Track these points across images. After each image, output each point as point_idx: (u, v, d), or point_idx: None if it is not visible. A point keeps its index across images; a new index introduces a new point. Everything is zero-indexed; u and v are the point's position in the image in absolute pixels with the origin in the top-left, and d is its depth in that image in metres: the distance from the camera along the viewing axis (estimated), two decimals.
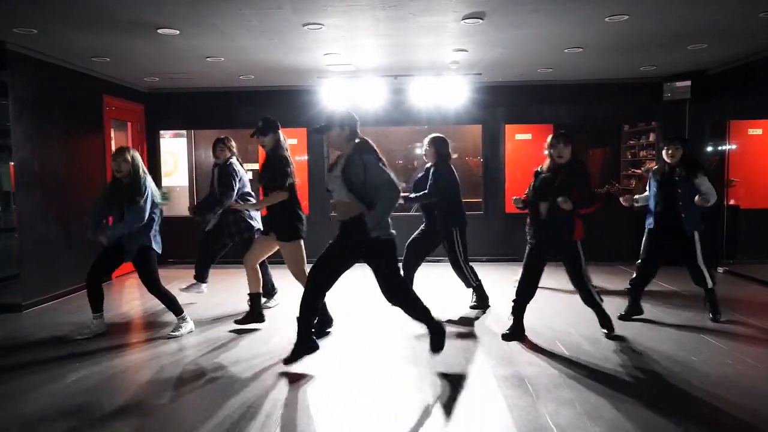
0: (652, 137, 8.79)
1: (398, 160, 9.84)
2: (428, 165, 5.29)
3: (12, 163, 6.34)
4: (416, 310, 3.77)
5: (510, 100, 8.14)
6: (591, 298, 4.44)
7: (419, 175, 5.53)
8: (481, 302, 5.43)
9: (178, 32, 5.05)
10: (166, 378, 3.75)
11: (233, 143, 5.59)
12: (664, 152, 4.89)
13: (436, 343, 3.77)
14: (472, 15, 4.72)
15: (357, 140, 3.70)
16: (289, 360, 3.79)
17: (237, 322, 4.89)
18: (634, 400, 3.27)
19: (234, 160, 5.50)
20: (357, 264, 3.76)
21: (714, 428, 2.94)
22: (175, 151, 9.43)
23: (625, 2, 4.45)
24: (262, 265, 5.20)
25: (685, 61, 6.73)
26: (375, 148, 3.68)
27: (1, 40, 5.31)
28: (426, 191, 5.14)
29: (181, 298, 5.04)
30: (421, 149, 5.65)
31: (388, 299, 3.76)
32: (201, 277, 5.74)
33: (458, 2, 4.40)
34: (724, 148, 8.10)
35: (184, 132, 9.28)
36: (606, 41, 5.65)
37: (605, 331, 4.48)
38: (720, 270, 7.25)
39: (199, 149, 9.65)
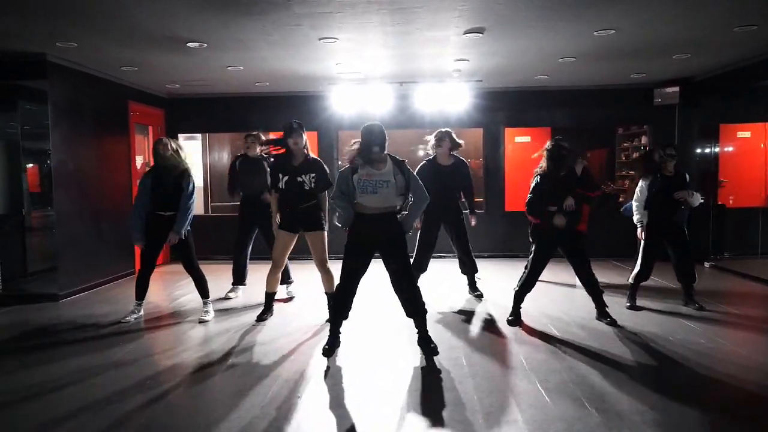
0: (644, 140, 9.24)
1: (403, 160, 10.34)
2: (451, 162, 5.72)
3: (29, 165, 6.89)
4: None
5: (509, 105, 8.61)
6: (596, 286, 4.87)
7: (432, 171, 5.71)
8: (475, 291, 6.01)
9: (205, 45, 5.54)
10: (196, 356, 4.24)
11: (263, 137, 5.94)
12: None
13: (427, 350, 4.11)
14: (472, 30, 5.20)
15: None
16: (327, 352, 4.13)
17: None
18: (614, 370, 3.76)
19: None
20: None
21: (674, 389, 3.42)
22: (190, 152, 9.91)
23: (611, 19, 4.92)
24: None
25: (672, 68, 7.20)
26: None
27: (42, 52, 5.82)
28: (469, 186, 5.79)
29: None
30: (425, 150, 6.00)
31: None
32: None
33: (460, 19, 4.88)
34: (713, 149, 8.57)
35: (198, 135, 9.78)
36: (596, 52, 6.13)
37: (606, 320, 4.87)
38: (707, 265, 7.71)
39: (212, 151, 10.16)
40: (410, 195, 4.06)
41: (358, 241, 4.07)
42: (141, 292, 5.20)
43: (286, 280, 6.05)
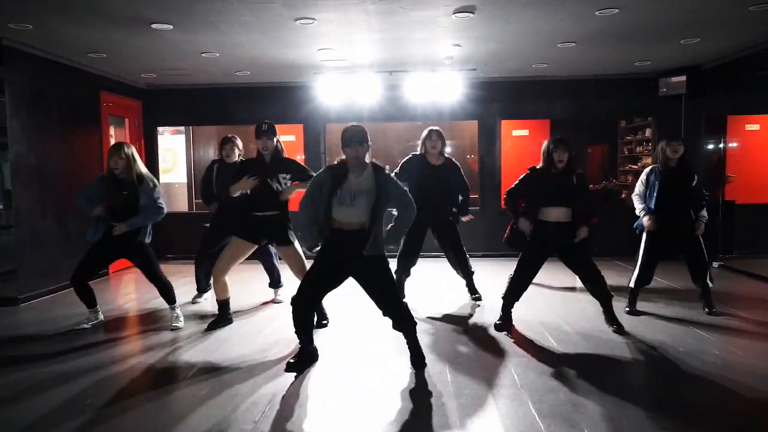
0: (648, 133, 8.79)
1: (397, 158, 9.84)
2: (441, 162, 5.26)
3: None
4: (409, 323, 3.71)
5: (505, 96, 8.14)
6: (605, 287, 4.42)
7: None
8: (474, 293, 5.54)
9: (171, 27, 5.09)
10: (163, 367, 3.79)
11: (240, 142, 5.50)
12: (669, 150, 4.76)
13: (417, 361, 3.72)
14: (462, 9, 4.74)
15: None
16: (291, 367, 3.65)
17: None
18: (618, 389, 3.31)
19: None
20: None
21: (687, 411, 2.97)
22: (174, 147, 9.49)
23: None
24: (269, 255, 5.43)
25: (679, 56, 6.73)
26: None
27: None
28: (465, 189, 5.38)
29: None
30: (418, 145, 5.50)
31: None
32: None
33: None
34: (721, 143, 8.10)
35: (183, 129, 9.34)
36: (598, 35, 5.66)
37: (613, 326, 4.44)
38: (715, 265, 7.25)
39: (197, 146, 9.72)
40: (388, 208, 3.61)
41: (332, 258, 3.56)
42: (87, 300, 4.70)
43: (277, 284, 5.65)
